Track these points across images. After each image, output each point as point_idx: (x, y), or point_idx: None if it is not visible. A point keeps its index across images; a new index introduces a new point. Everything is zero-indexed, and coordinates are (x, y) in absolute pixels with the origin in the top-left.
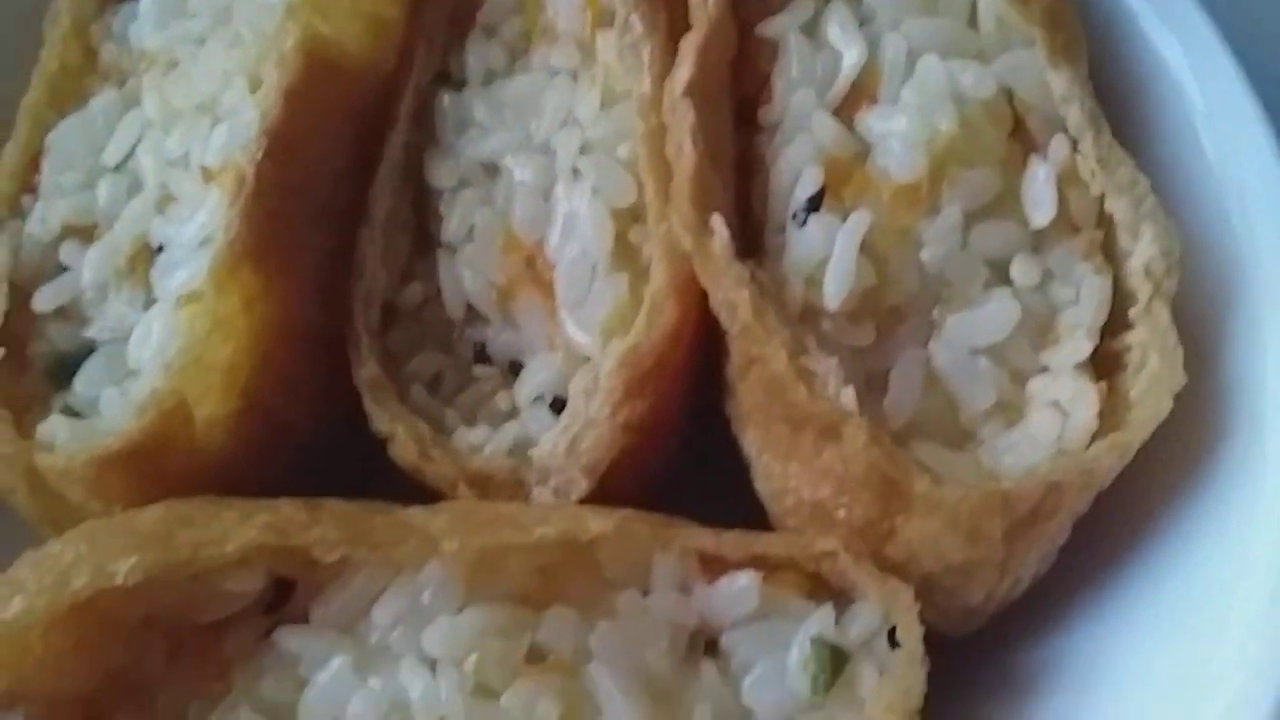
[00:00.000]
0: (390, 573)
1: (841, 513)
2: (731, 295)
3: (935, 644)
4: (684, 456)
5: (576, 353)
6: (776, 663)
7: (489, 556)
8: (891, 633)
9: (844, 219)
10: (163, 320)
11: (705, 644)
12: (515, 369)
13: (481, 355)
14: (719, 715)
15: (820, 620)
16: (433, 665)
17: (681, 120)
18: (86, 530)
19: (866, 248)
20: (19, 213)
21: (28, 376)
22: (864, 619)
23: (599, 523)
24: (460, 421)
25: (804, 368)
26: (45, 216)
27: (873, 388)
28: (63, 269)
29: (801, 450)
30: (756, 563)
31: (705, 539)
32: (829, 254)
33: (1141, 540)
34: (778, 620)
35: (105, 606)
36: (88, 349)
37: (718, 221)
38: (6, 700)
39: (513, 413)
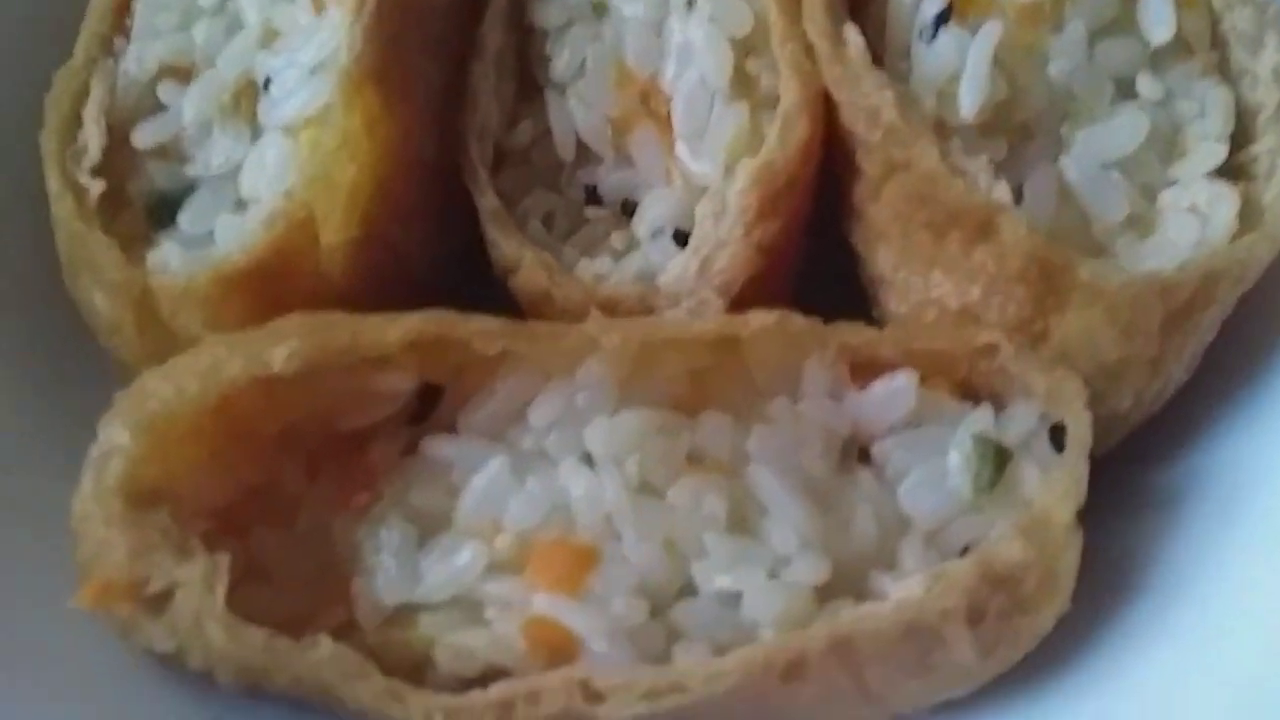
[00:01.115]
0: (540, 380)
1: (992, 315)
2: (873, 99)
3: None
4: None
5: (695, 184)
6: (934, 467)
7: (643, 360)
8: (1052, 432)
9: (973, 34)
10: (277, 148)
11: (858, 453)
12: (628, 209)
13: (593, 197)
14: (880, 517)
15: (980, 419)
16: (592, 467)
17: None
18: (222, 338)
19: (995, 62)
20: (112, 53)
21: (129, 214)
22: (1023, 417)
23: (759, 318)
24: (579, 256)
25: (955, 165)
26: (141, 57)
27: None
28: (161, 108)
29: (947, 255)
30: (912, 362)
31: (863, 335)
32: (960, 67)
33: None
34: (933, 423)
35: (242, 419)
36: (189, 188)
37: (851, 29)
38: (151, 498)
39: (630, 249)
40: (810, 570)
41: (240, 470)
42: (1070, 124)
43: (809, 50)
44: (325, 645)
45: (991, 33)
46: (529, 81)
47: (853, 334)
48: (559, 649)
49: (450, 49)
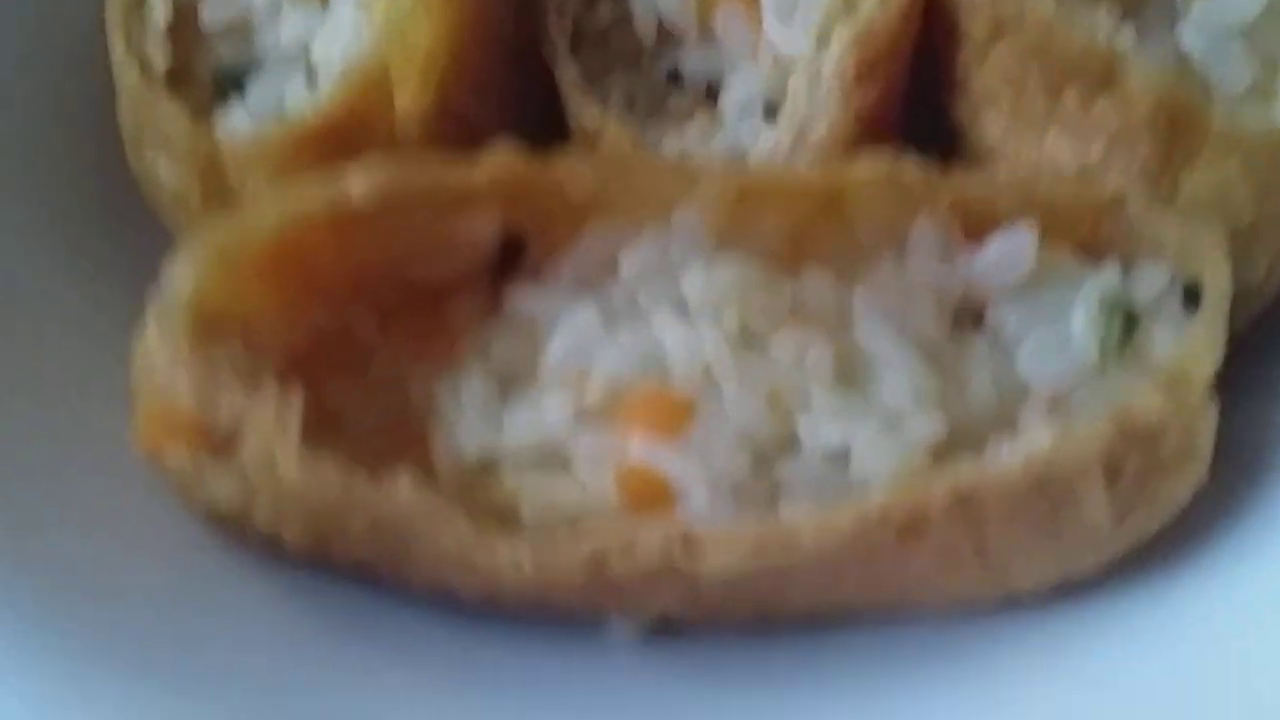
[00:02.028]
0: (631, 229)
1: (1115, 174)
2: None
3: None
4: None
5: (784, 61)
6: (1055, 331)
7: (742, 210)
8: (1185, 296)
9: None
10: (350, 16)
11: (973, 318)
12: (712, 92)
13: (675, 81)
14: (998, 382)
15: (1106, 279)
16: (688, 318)
17: None
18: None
19: None
20: None
21: (196, 89)
22: (1153, 276)
23: (868, 165)
24: (663, 135)
25: (1071, 13)
26: None
27: None
28: None
29: (1064, 112)
30: (1028, 215)
31: (980, 185)
32: None
33: None
34: (1053, 285)
35: (314, 264)
36: (257, 64)
37: None
38: (219, 332)
39: (716, 130)
40: (925, 427)
41: (312, 316)
42: None
43: None
44: (405, 484)
45: None
46: None
47: (969, 185)
48: (656, 500)
49: None
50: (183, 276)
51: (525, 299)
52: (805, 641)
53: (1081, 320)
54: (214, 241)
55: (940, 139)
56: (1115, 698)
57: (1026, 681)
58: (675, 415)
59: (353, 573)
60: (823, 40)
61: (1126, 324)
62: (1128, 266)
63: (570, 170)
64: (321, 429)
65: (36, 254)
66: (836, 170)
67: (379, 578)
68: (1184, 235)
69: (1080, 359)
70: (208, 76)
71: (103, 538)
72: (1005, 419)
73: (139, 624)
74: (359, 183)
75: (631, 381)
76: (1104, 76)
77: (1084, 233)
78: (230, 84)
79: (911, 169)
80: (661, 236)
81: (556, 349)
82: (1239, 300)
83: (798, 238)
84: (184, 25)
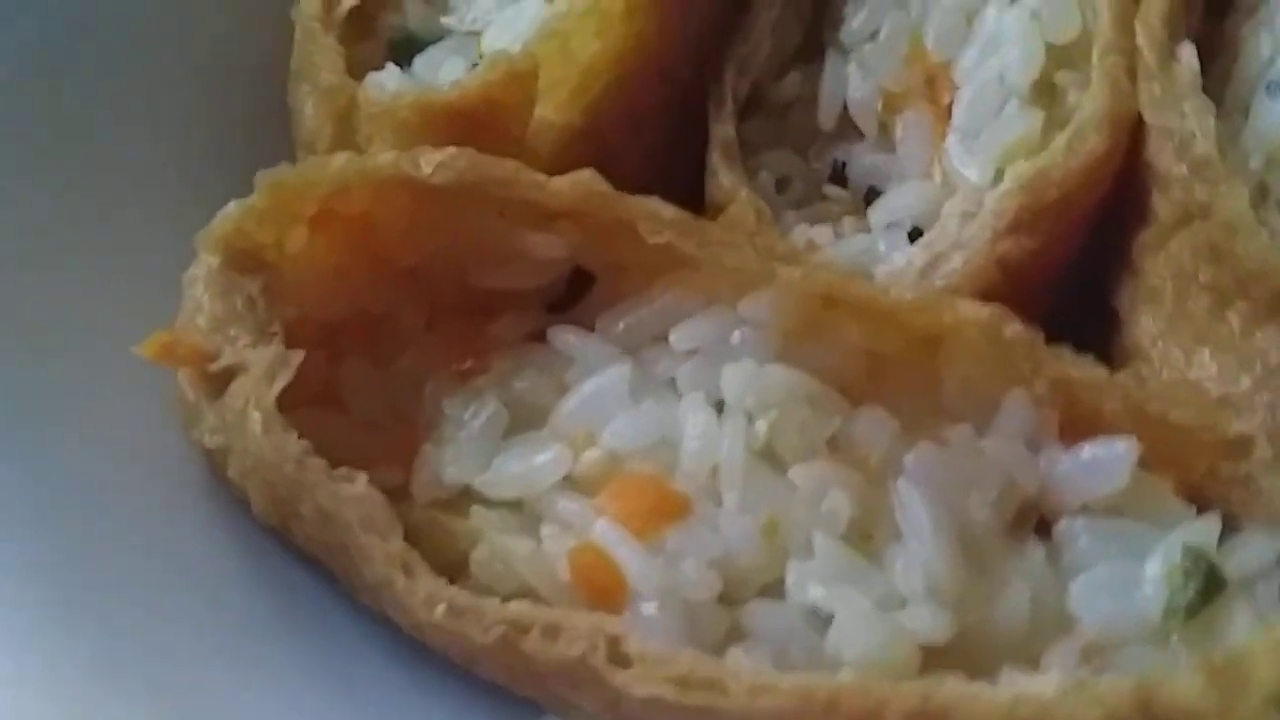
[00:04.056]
0: (701, 302)
1: (1258, 417)
2: (1190, 123)
3: None
4: None
5: (955, 185)
6: (1127, 569)
7: (820, 317)
8: None
9: None
10: (533, 9)
11: (1038, 523)
12: (871, 199)
13: (838, 175)
14: (1037, 604)
15: (1202, 530)
16: (719, 412)
17: None
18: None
19: None
20: None
21: (369, 43)
22: (1258, 547)
23: (968, 306)
24: (799, 222)
25: (1265, 219)
26: None
27: None
28: None
29: (1223, 331)
30: (1136, 431)
31: (1090, 373)
32: None
33: None
34: (1143, 516)
35: (381, 237)
36: (438, 37)
37: (1188, 50)
38: (251, 265)
39: (856, 234)
40: (929, 623)
41: (361, 293)
42: None
43: (1132, 71)
44: (361, 483)
45: None
46: (815, 40)
47: (1077, 368)
48: (604, 593)
49: None
50: (236, 204)
51: (566, 339)
52: None
53: (1157, 568)
54: (273, 179)
55: (1095, 329)
56: None
57: None
58: (662, 510)
59: (313, 561)
60: (1000, 174)
61: (1209, 588)
62: (1235, 526)
63: (647, 213)
64: (322, 404)
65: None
66: (932, 298)
67: (333, 577)
68: None
69: (1141, 611)
70: (387, 35)
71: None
72: (1030, 649)
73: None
74: (433, 156)
75: (635, 458)
76: (1278, 300)
77: (1198, 471)
78: (404, 48)
79: (1016, 326)
80: (727, 318)
81: (574, 400)
82: None
83: (877, 370)
84: None
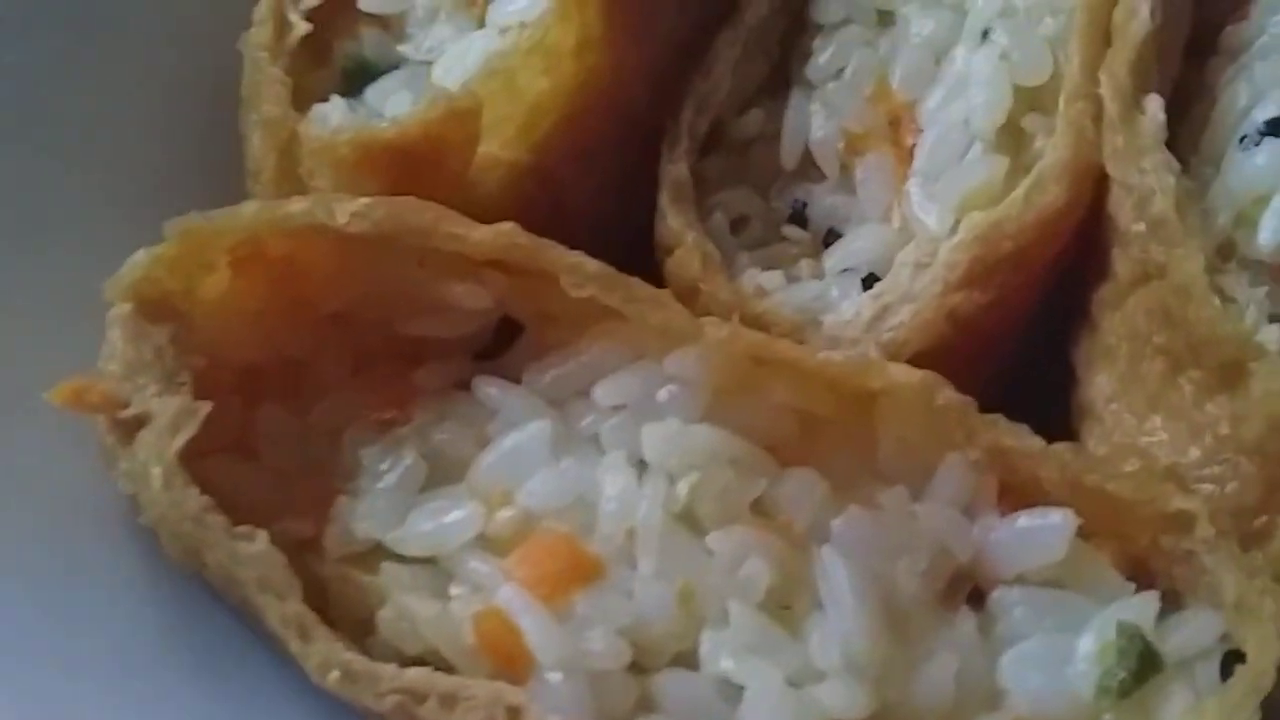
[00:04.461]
0: (630, 356)
1: (1207, 488)
2: (1149, 181)
3: None
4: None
5: (913, 231)
6: (1060, 644)
7: (750, 376)
8: (1228, 659)
9: None
10: (483, 43)
11: (970, 592)
12: (830, 241)
13: (798, 216)
14: (964, 676)
15: (1139, 607)
16: (640, 471)
17: None
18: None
19: None
20: None
21: (324, 70)
22: (1195, 628)
23: (900, 371)
24: (753, 265)
25: (1220, 285)
26: None
27: None
28: None
29: (1174, 397)
30: (1075, 502)
31: (1025, 442)
32: (1276, 188)
33: None
34: (1079, 589)
35: (304, 282)
36: (393, 65)
37: (1154, 102)
38: (162, 313)
39: (811, 279)
40: (844, 700)
41: (283, 337)
42: None
43: (1099, 118)
44: (260, 542)
45: None
46: (782, 74)
47: (1011, 436)
48: (509, 660)
49: (704, 9)
50: (145, 252)
51: (489, 391)
52: None
53: (1090, 644)
54: (182, 227)
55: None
56: None
57: None
58: (571, 574)
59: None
60: (959, 223)
61: (1143, 668)
62: (1176, 605)
63: (570, 266)
64: (234, 453)
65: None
66: (861, 362)
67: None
68: (1244, 593)
69: (1073, 688)
70: (342, 63)
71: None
72: None
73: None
74: (348, 206)
75: (550, 518)
76: (1230, 372)
77: (1140, 544)
78: (359, 76)
79: (948, 393)
80: (653, 374)
81: (493, 455)
82: None
83: (811, 430)
84: (340, 6)
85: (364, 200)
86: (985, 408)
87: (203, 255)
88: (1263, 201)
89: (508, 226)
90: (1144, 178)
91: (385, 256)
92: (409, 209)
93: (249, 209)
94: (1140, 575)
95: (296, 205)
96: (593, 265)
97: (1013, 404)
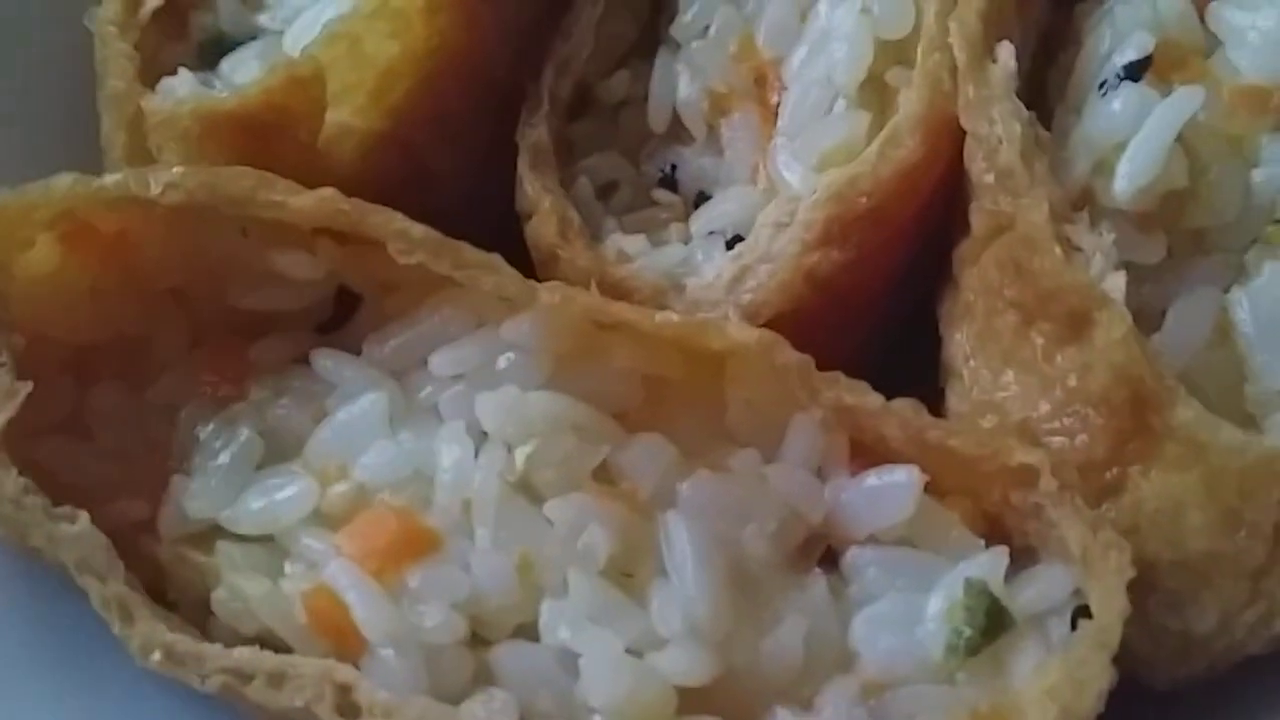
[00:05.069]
0: (471, 324)
1: (1057, 441)
2: (999, 130)
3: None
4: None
5: (779, 191)
6: (910, 604)
7: (592, 341)
8: (1077, 614)
9: (1163, 97)
10: (334, 7)
11: (824, 553)
12: (700, 204)
13: (669, 180)
14: (814, 639)
15: (987, 564)
16: (479, 441)
17: None
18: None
19: (1184, 142)
20: None
21: (180, 45)
22: (1045, 583)
23: (738, 330)
24: (620, 230)
25: (1065, 236)
26: None
27: (1142, 321)
28: None
29: (1026, 351)
30: (924, 460)
31: (866, 399)
32: (1133, 134)
33: None
34: (929, 547)
35: (135, 258)
36: (251, 36)
37: (1005, 50)
38: None
39: (677, 242)
40: (685, 665)
41: (119, 314)
42: (1260, 250)
43: (955, 70)
44: (82, 523)
45: (1187, 102)
46: (651, 38)
47: (852, 393)
48: (341, 637)
49: None
50: None
51: (326, 364)
52: None
53: (939, 603)
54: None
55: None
56: None
57: None
58: (405, 548)
59: None
60: (821, 173)
61: (991, 625)
62: (1034, 559)
63: (396, 232)
64: (67, 433)
65: None
66: (698, 323)
67: None
68: (1089, 547)
69: (922, 648)
70: (198, 36)
71: None
72: (804, 687)
73: None
74: (161, 176)
75: (386, 491)
76: (1076, 322)
77: (992, 503)
78: (215, 48)
79: (787, 352)
80: (492, 342)
81: (328, 429)
82: (1173, 655)
83: (659, 395)
84: None
85: (178, 169)
86: (861, 372)
87: (16, 231)
88: (1120, 148)
89: (329, 192)
90: (993, 127)
91: (207, 228)
92: (225, 177)
93: (63, 182)
94: (996, 533)
95: (112, 178)
96: (419, 230)
97: (900, 369)
